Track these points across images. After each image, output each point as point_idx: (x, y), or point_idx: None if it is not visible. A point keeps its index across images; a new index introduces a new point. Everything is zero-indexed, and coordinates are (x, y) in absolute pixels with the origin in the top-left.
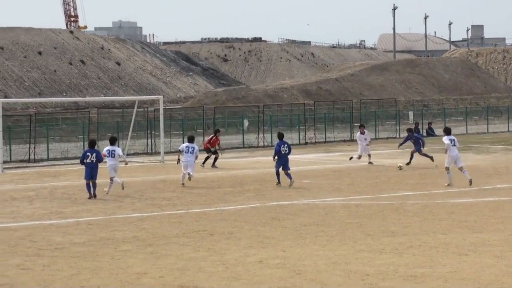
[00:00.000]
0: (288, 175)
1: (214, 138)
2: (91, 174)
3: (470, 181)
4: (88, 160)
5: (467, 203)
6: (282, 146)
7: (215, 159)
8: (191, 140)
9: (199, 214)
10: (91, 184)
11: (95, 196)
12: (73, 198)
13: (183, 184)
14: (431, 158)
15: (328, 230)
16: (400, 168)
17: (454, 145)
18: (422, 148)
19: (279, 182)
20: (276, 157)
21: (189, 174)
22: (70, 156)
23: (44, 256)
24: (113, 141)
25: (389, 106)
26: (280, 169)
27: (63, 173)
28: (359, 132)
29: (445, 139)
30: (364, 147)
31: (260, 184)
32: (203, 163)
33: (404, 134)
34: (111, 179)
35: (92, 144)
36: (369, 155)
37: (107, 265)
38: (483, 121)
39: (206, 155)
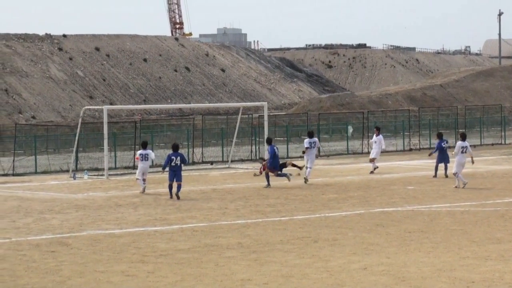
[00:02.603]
0: (280, 175)
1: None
2: (174, 175)
3: (461, 187)
4: (173, 164)
5: None
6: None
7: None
8: (144, 145)
9: (303, 221)
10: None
11: (178, 197)
12: (177, 204)
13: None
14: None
15: (433, 237)
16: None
17: (465, 152)
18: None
19: (268, 185)
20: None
21: (143, 180)
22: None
23: (149, 263)
24: (145, 145)
25: (494, 112)
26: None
27: (167, 179)
28: (374, 135)
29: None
30: (378, 151)
31: (365, 190)
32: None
33: (511, 140)
34: (144, 180)
35: (175, 148)
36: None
37: (211, 271)
38: None
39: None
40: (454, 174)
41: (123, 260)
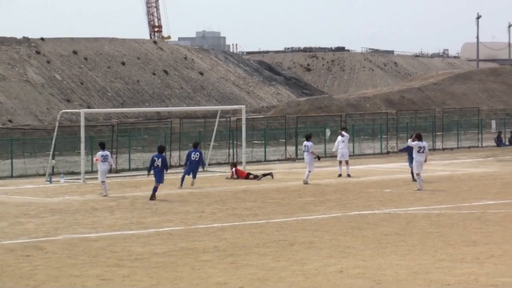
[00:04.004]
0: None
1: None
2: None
3: (417, 190)
4: (155, 165)
5: None
6: (193, 153)
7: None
8: (102, 146)
9: (280, 224)
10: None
11: (154, 198)
12: (154, 208)
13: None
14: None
15: (409, 239)
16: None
17: (423, 152)
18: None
19: (181, 186)
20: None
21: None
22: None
23: (124, 267)
24: (103, 146)
25: (472, 115)
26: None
27: (144, 183)
28: (339, 136)
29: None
30: (343, 151)
31: (341, 193)
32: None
33: (487, 143)
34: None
35: (159, 150)
36: (347, 162)
37: (187, 275)
38: None
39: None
40: (417, 175)
41: (99, 264)
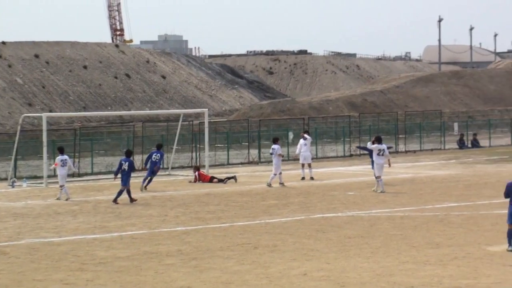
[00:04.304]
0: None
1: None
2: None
3: (381, 192)
4: (122, 168)
5: None
6: (155, 154)
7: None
8: (61, 150)
9: (244, 227)
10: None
11: (117, 201)
12: (117, 212)
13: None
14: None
15: (373, 242)
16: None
17: (383, 154)
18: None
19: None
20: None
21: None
22: (114, 170)
23: (88, 271)
24: (62, 150)
25: (434, 118)
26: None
27: (107, 187)
28: (301, 139)
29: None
30: (305, 154)
31: (305, 196)
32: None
33: (450, 146)
34: (61, 186)
35: (127, 153)
36: (310, 165)
37: (151, 279)
38: None
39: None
40: (376, 177)
41: (62, 268)
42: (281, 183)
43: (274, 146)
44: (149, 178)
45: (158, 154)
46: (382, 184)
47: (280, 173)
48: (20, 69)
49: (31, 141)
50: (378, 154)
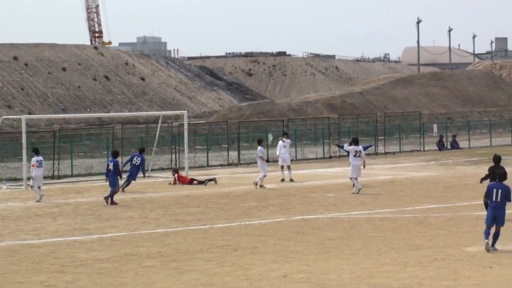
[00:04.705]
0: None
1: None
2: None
3: (357, 192)
4: (108, 168)
5: None
6: (136, 157)
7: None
8: (36, 151)
9: (224, 229)
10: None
11: (106, 200)
12: (97, 214)
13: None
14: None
15: (353, 243)
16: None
17: (359, 156)
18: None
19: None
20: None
21: (38, 188)
22: (94, 172)
23: (68, 273)
24: (37, 152)
25: (413, 119)
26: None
27: (87, 189)
28: (280, 141)
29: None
30: (284, 156)
31: (285, 198)
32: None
33: (429, 147)
34: (39, 188)
35: (113, 154)
36: (289, 167)
37: (131, 281)
38: (508, 134)
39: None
40: (350, 178)
41: (42, 270)
42: (261, 185)
43: (258, 147)
44: (128, 180)
45: (139, 158)
46: (357, 184)
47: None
48: None
49: (11, 143)
50: (354, 156)
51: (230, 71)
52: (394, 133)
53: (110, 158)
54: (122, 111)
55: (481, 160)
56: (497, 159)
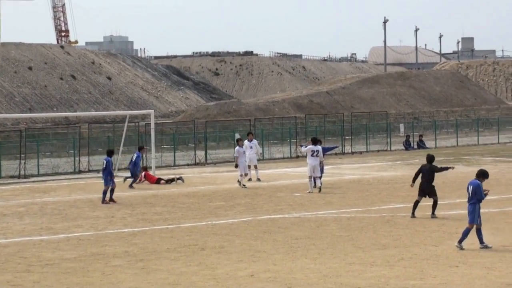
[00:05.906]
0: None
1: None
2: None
3: (320, 189)
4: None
5: (457, 215)
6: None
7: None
8: (107, 153)
9: (190, 229)
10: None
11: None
12: (64, 213)
13: None
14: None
15: (319, 243)
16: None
17: (317, 155)
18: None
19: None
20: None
21: None
22: (60, 172)
23: (34, 272)
24: None
25: (380, 119)
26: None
27: (54, 188)
28: (246, 141)
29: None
30: (251, 156)
31: (252, 198)
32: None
33: (396, 147)
34: None
35: (107, 153)
36: (256, 167)
37: (98, 280)
38: (474, 133)
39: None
40: (309, 178)
41: (8, 270)
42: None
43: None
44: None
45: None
46: (311, 185)
47: (242, 175)
48: None
49: None
50: (312, 155)
51: (197, 71)
52: (361, 132)
53: (105, 157)
54: (89, 110)
55: (447, 160)
56: (430, 158)
